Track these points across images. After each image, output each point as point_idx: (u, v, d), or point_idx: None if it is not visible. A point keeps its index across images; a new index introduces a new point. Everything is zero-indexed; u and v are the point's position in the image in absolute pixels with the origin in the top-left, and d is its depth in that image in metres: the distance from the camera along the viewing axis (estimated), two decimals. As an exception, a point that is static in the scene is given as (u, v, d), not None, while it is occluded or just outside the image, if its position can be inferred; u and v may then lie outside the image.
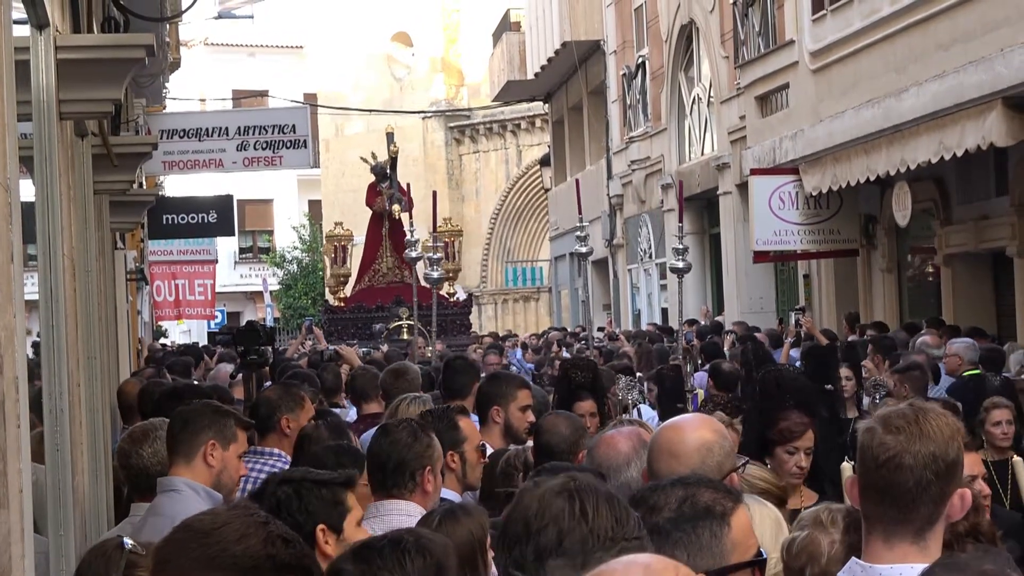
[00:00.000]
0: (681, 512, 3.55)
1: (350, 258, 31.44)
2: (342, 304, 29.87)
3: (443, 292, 29.62)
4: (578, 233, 15.99)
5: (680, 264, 14.87)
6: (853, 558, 3.78)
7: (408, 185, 27.76)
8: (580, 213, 16.76)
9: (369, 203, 30.95)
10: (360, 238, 32.20)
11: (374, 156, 30.93)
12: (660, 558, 2.49)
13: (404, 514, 5.69)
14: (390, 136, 31.30)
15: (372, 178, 31.16)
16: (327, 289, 32.11)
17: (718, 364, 13.51)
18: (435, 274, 16.75)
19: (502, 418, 8.16)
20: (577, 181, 20.59)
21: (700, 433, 4.46)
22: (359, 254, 31.50)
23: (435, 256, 16.97)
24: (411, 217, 18.95)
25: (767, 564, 3.67)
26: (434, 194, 18.14)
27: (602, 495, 3.21)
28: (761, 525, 5.21)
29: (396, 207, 29.49)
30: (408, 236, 18.21)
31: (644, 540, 3.20)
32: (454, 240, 31.35)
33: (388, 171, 30.42)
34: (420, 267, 21.14)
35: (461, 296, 32.55)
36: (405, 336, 20.98)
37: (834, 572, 4.43)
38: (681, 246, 14.98)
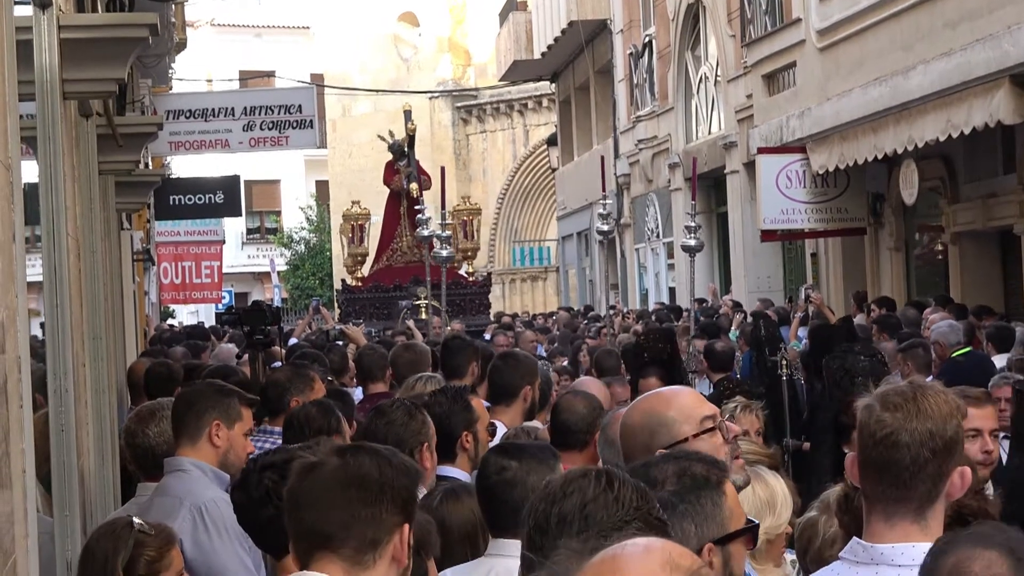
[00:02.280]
0: (683, 484, 3.59)
1: (367, 237, 31.30)
2: (360, 284, 29.76)
3: (462, 272, 29.58)
4: (600, 211, 15.92)
5: (692, 242, 14.82)
6: (855, 538, 3.77)
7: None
8: (604, 191, 16.69)
9: (387, 181, 30.77)
10: (376, 217, 32.10)
11: (391, 134, 30.79)
12: (676, 545, 2.43)
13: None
14: (407, 114, 31.16)
15: (380, 158, 31.06)
16: (344, 268, 31.98)
17: (711, 344, 13.42)
18: (444, 252, 16.62)
19: (530, 397, 8.11)
20: (603, 158, 20.47)
21: (629, 413, 4.48)
22: (376, 233, 31.38)
23: (443, 234, 16.83)
24: (421, 195, 18.87)
25: None
26: (442, 170, 18.06)
27: (628, 478, 3.22)
28: (787, 498, 5.22)
29: (414, 185, 29.36)
30: (420, 215, 18.14)
31: (668, 527, 3.19)
32: (472, 219, 31.16)
33: (405, 149, 30.28)
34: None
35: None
36: (423, 316, 20.89)
37: (827, 554, 4.45)
38: (693, 224, 14.95)
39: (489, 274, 35.28)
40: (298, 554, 3.51)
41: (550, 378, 9.68)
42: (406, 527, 3.45)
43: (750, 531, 3.62)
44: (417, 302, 25.25)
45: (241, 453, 6.12)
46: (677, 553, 2.31)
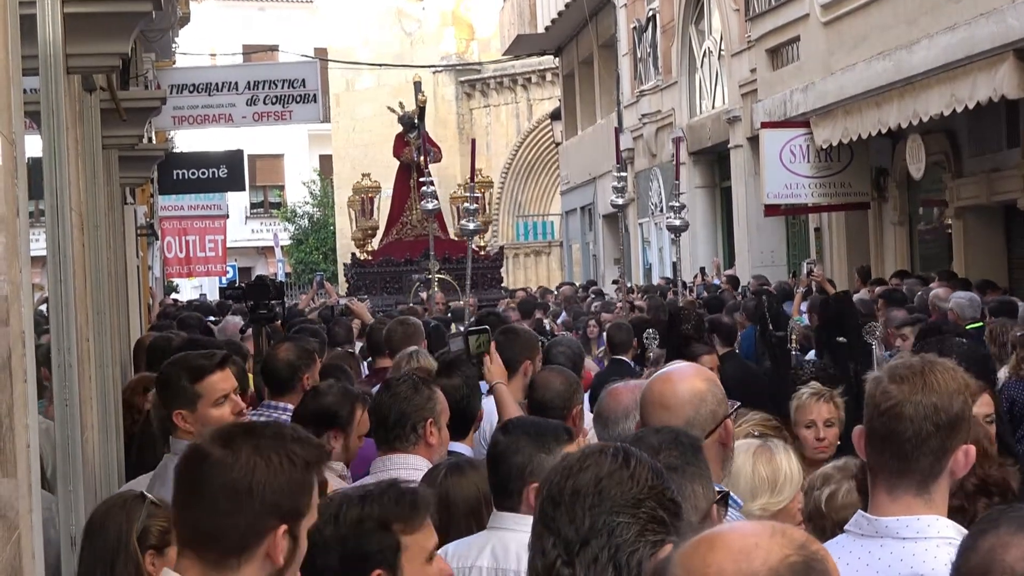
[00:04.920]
0: (682, 449, 3.68)
1: (377, 211, 31.16)
2: (370, 258, 29.63)
3: (474, 245, 29.52)
4: (614, 183, 15.88)
5: (677, 222, 14.87)
6: (859, 511, 3.77)
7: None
8: (618, 163, 16.61)
9: (397, 154, 30.61)
10: (386, 191, 31.99)
11: (401, 106, 30.65)
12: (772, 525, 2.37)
13: (410, 467, 5.67)
14: (417, 85, 31.03)
15: (384, 132, 30.96)
16: (352, 242, 31.83)
17: (717, 319, 13.40)
18: (471, 225, 16.52)
19: (530, 371, 8.12)
20: (616, 130, 20.41)
21: (691, 383, 4.39)
22: (385, 207, 31.24)
23: (471, 207, 16.71)
24: (426, 167, 18.74)
25: None
26: (472, 143, 17.99)
27: (645, 457, 3.24)
28: (792, 475, 5.25)
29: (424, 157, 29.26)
30: (425, 188, 18.07)
31: (681, 507, 3.22)
32: (484, 192, 30.98)
33: (416, 121, 30.14)
34: (450, 218, 20.38)
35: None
36: (435, 289, 20.88)
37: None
38: (677, 204, 14.97)
39: (501, 248, 35.19)
40: (177, 544, 3.45)
41: (581, 351, 9.79)
42: (282, 528, 3.25)
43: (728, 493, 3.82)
44: (430, 276, 25.19)
45: (217, 424, 5.97)
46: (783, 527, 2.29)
